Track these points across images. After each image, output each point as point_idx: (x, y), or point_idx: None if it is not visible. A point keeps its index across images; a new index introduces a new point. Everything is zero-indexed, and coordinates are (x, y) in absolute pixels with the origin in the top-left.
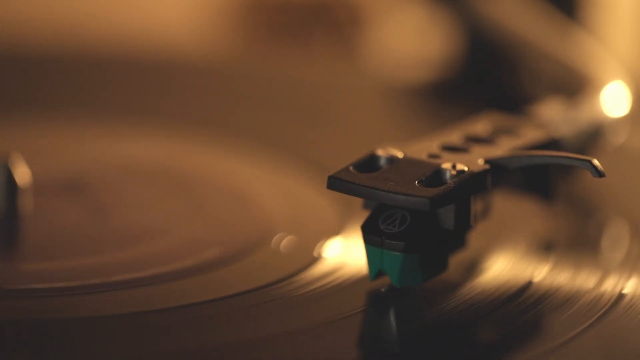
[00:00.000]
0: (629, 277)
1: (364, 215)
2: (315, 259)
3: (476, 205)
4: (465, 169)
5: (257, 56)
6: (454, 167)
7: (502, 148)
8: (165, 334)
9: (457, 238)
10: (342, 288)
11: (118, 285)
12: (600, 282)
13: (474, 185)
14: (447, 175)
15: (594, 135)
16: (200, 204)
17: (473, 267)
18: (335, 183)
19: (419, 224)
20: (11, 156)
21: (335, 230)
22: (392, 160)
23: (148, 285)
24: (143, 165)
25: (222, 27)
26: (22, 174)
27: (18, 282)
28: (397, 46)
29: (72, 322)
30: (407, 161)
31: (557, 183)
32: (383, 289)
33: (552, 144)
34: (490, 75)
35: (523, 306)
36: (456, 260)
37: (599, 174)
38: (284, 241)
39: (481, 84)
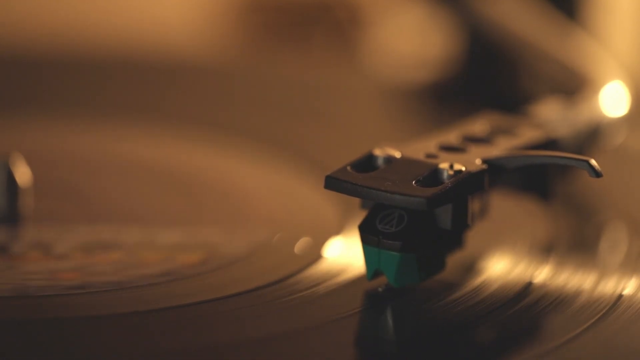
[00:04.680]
0: (629, 278)
1: (362, 215)
2: (314, 259)
3: (474, 205)
4: (463, 168)
5: (256, 56)
6: (451, 167)
7: (500, 148)
8: (165, 334)
9: (454, 238)
10: (340, 288)
11: (118, 285)
12: (600, 282)
13: (471, 185)
14: (445, 175)
15: (592, 135)
16: (200, 204)
17: (471, 267)
18: (333, 183)
19: (416, 224)
20: (11, 156)
21: (334, 230)
22: (389, 160)
23: (148, 285)
24: (143, 165)
25: (221, 27)
26: (22, 174)
27: (18, 282)
28: (397, 46)
29: (71, 322)
30: (405, 161)
31: (555, 183)
32: (380, 289)
33: (550, 143)
34: (489, 75)
35: (522, 307)
36: (454, 260)
37: (597, 174)
38: (283, 241)
39: (480, 84)
